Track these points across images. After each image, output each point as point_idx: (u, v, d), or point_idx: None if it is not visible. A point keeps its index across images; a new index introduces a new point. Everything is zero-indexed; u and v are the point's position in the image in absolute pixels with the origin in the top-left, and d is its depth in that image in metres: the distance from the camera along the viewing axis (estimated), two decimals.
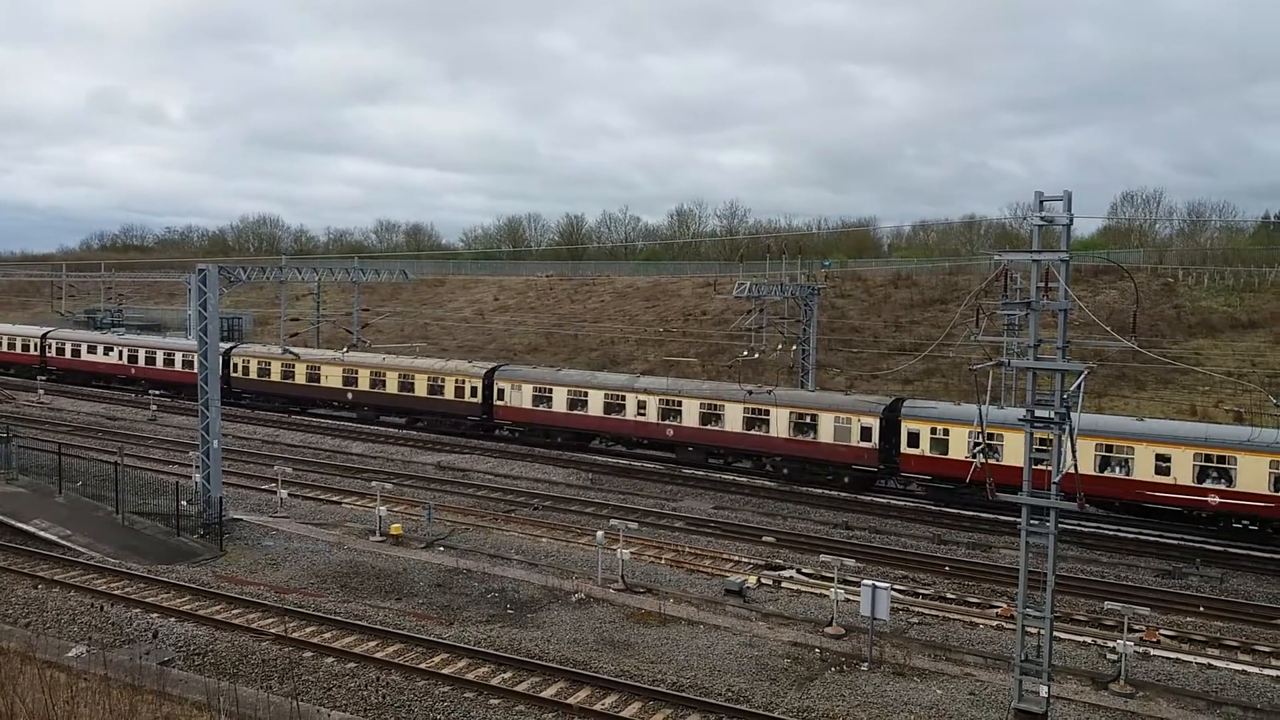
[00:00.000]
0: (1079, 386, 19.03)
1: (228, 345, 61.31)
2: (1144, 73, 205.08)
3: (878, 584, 22.71)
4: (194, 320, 38.88)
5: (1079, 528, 34.27)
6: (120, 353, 65.86)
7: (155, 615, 23.91)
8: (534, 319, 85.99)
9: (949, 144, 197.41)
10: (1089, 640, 24.21)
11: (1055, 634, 19.68)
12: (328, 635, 22.88)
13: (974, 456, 33.78)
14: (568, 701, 19.62)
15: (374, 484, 33.85)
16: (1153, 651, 23.55)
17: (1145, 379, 57.63)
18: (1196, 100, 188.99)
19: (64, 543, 29.09)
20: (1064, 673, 21.74)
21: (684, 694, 20.14)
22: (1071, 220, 18.66)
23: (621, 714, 19.25)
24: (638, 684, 20.53)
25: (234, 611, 24.31)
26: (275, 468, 36.52)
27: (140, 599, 24.95)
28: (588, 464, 44.62)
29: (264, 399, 59.27)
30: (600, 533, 28.46)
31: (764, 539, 33.14)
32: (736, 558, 31.03)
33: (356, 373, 54.82)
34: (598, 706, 19.51)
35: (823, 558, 27.19)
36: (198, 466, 32.41)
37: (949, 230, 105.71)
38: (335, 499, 37.05)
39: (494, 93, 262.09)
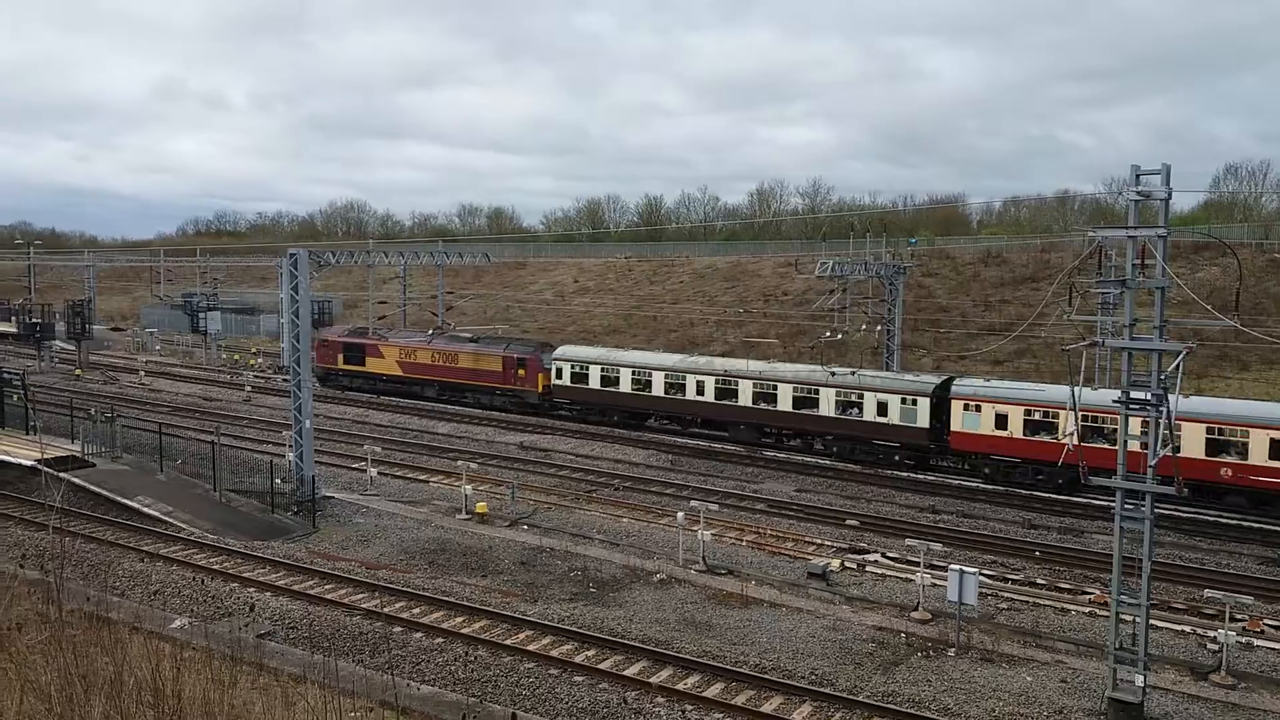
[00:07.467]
0: (1177, 367, 18.38)
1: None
2: (1205, 38, 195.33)
3: (965, 569, 22.36)
4: (285, 303, 39.92)
5: (1176, 512, 33.14)
6: None
7: (252, 590, 24.79)
8: (613, 301, 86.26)
9: (1009, 116, 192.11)
10: (1187, 629, 23.46)
11: (1152, 622, 19.12)
12: (417, 611, 23.44)
13: (1068, 438, 32.89)
14: (650, 680, 19.75)
15: (459, 463, 34.48)
16: (1256, 642, 22.69)
17: (1249, 359, 55.39)
18: (1268, 64, 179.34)
19: (166, 519, 30.29)
20: (1161, 662, 21.08)
21: (766, 676, 20.11)
22: (1170, 194, 18.00)
23: (704, 694, 19.31)
24: (720, 665, 20.56)
25: (327, 587, 25.04)
26: (365, 447, 37.44)
27: (238, 574, 25.88)
28: (668, 445, 44.68)
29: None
30: (681, 514, 28.53)
31: (847, 522, 32.79)
32: (819, 541, 30.79)
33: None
34: (680, 686, 19.61)
35: (908, 541, 26.81)
36: (291, 446, 33.38)
37: (1041, 206, 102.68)
38: (423, 478, 37.83)
39: (543, 74, 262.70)
